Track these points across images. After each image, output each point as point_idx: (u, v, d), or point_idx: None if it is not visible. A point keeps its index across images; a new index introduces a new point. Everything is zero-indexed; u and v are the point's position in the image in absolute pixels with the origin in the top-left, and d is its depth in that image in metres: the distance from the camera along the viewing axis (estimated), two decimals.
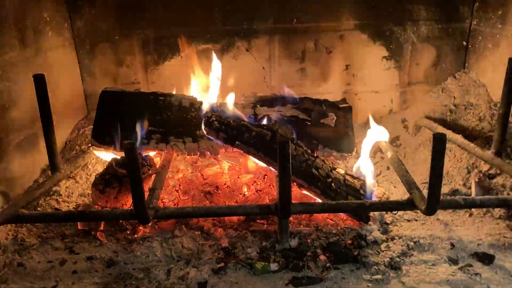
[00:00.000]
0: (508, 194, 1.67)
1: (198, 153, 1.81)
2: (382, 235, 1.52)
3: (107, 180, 1.65)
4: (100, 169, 1.94)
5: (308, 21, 2.26)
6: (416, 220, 1.64)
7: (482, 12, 2.22)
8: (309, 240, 1.49)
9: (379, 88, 2.41)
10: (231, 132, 1.64)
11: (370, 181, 1.66)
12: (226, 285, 1.34)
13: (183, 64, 2.28)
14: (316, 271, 1.37)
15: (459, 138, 1.85)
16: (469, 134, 1.98)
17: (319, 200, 1.57)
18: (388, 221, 1.63)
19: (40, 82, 1.56)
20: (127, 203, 1.68)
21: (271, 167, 1.66)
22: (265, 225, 1.60)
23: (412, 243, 1.48)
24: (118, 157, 1.73)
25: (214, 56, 2.03)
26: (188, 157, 1.93)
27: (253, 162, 1.81)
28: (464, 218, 1.65)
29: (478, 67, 2.28)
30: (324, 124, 1.89)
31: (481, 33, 2.24)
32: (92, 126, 1.83)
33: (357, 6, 2.25)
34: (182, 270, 1.38)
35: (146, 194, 1.42)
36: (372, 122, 1.89)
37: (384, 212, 1.65)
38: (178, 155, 1.92)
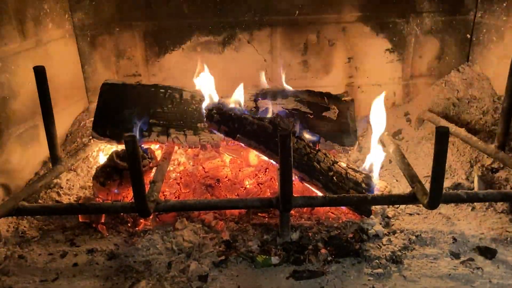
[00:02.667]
0: (511, 188, 1.66)
1: (199, 146, 1.81)
2: (383, 229, 1.52)
3: (108, 172, 1.65)
4: (101, 161, 1.94)
5: (310, 13, 2.24)
6: (418, 214, 1.64)
7: (487, 4, 2.19)
8: (310, 234, 1.49)
9: (381, 81, 2.39)
10: (232, 125, 1.63)
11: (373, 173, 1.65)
12: (227, 278, 1.34)
13: (184, 57, 2.27)
14: (317, 265, 1.37)
15: (462, 131, 1.83)
16: (472, 128, 1.96)
17: (321, 194, 1.57)
18: (390, 215, 1.62)
19: (40, 74, 1.55)
20: (129, 195, 1.68)
21: (272, 160, 1.65)
22: (266, 219, 1.60)
23: (413, 237, 1.48)
24: (119, 150, 1.72)
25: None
26: (189, 150, 1.92)
27: (255, 155, 1.80)
28: (467, 212, 1.64)
29: (482, 60, 2.25)
30: (326, 117, 1.88)
31: (485, 26, 2.21)
32: (93, 118, 1.83)
33: None
34: (183, 263, 1.38)
35: (147, 187, 1.42)
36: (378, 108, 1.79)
37: (386, 206, 1.64)
38: (179, 148, 1.91)
